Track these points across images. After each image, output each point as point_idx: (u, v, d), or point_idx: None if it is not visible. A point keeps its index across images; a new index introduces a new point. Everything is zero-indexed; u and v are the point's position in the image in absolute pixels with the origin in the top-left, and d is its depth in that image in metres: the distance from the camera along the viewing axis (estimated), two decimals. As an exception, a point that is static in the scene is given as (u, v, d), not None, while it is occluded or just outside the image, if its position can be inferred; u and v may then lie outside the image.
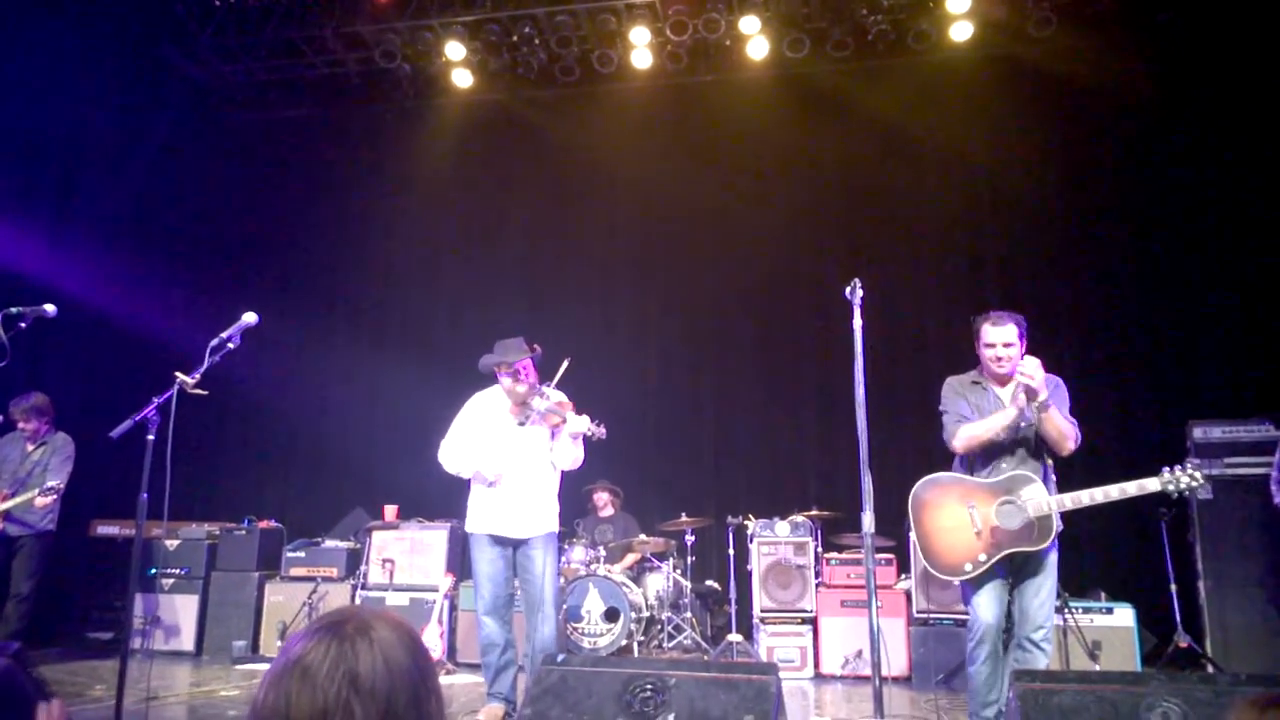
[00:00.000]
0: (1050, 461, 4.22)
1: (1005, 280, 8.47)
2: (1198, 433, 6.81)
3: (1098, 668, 5.95)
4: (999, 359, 4.23)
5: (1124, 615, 6.19)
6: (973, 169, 8.69)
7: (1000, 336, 4.22)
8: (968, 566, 4.08)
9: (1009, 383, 4.28)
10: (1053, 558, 4.14)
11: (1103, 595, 6.41)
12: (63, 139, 8.40)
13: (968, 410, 4.30)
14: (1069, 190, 8.36)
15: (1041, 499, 4.01)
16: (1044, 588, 4.10)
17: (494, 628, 5.06)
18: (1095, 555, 7.50)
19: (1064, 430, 4.09)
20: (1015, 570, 4.17)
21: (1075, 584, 6.61)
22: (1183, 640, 6.27)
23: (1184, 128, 8.07)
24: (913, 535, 4.35)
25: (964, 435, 4.21)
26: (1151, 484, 3.97)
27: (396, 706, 1.24)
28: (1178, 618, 6.36)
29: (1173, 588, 6.43)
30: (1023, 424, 4.17)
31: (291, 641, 1.28)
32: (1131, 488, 3.96)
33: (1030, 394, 4.08)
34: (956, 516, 4.13)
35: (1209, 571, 6.60)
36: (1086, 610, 6.22)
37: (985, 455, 4.24)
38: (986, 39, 8.55)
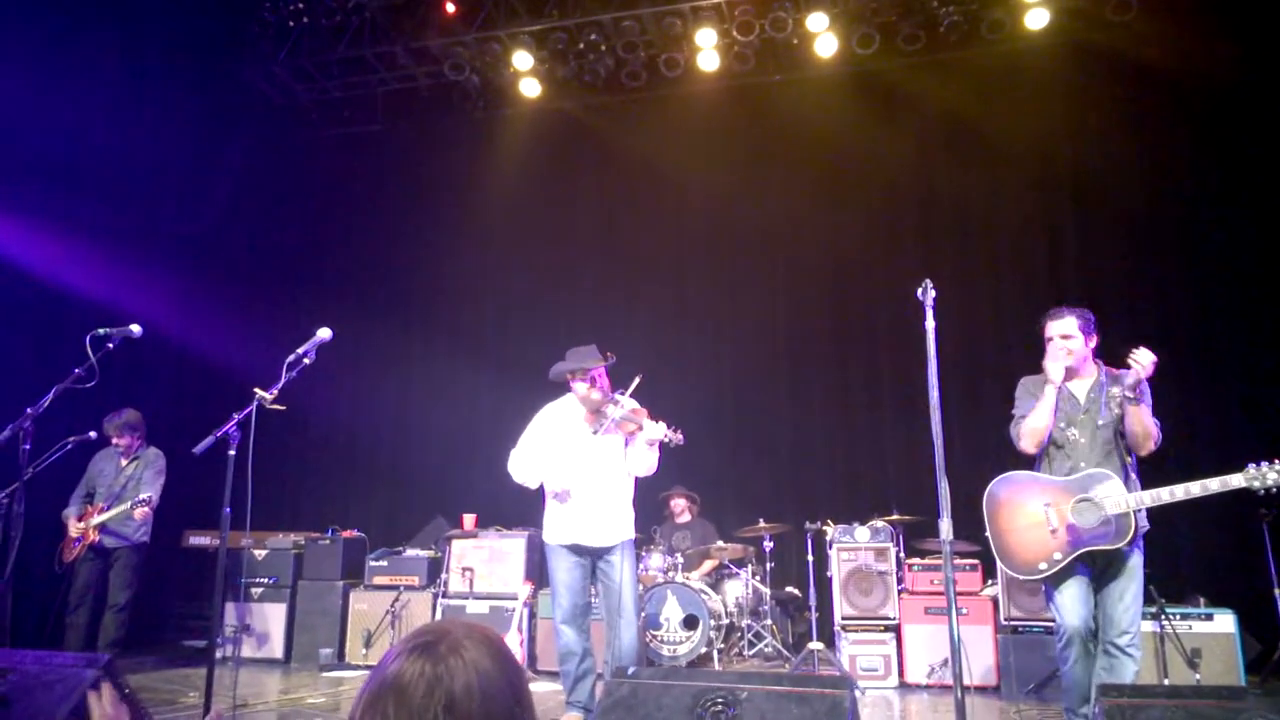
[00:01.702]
0: (1130, 460, 4.11)
1: (1087, 277, 8.18)
2: (1300, 429, 6.47)
3: (1198, 677, 5.69)
4: (1060, 350, 4.17)
5: (1225, 622, 5.90)
6: (1051, 162, 8.44)
7: (1058, 329, 4.19)
8: (1043, 565, 4.01)
9: (1076, 377, 4.24)
10: (1136, 559, 4.03)
11: (1202, 601, 6.11)
12: (146, 167, 8.68)
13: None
14: (1153, 181, 8.03)
15: (1119, 496, 3.91)
16: (1128, 591, 3.99)
17: (572, 636, 5.05)
18: (1193, 560, 7.21)
19: (1149, 428, 4.01)
20: (1098, 573, 4.07)
21: (1173, 590, 6.33)
22: (1288, 647, 5.97)
23: (1274, 111, 7.69)
24: (989, 535, 4.26)
25: (1024, 429, 4.17)
26: (1235, 480, 3.79)
27: None
28: (1282, 623, 6.06)
29: (1276, 592, 6.12)
30: (1100, 421, 4.11)
31: (385, 661, 1.29)
32: (1214, 484, 3.80)
33: (1130, 386, 4.02)
34: (1032, 515, 4.07)
35: (1315, 575, 6.25)
36: (1185, 617, 5.94)
37: (1063, 454, 4.16)
38: (1063, 26, 8.30)
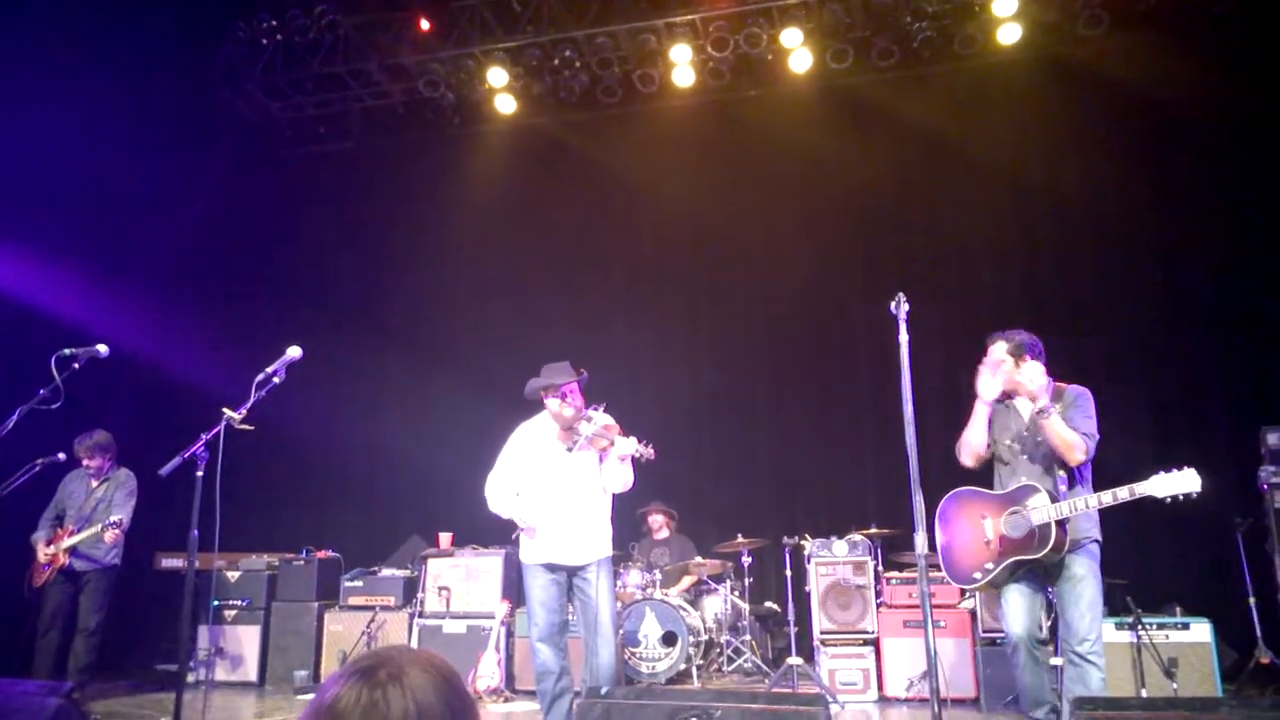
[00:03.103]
0: (1065, 474, 4.20)
1: (1063, 290, 8.26)
2: (1273, 439, 6.49)
3: (1175, 686, 5.70)
4: (990, 369, 4.41)
5: (1201, 631, 5.90)
6: (1024, 175, 8.51)
7: (991, 355, 4.42)
8: (977, 575, 4.27)
9: (1019, 396, 4.40)
10: (1081, 568, 4.13)
11: (1178, 610, 6.12)
12: (118, 185, 8.59)
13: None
14: (1128, 194, 8.11)
15: (1045, 507, 4.08)
16: (1082, 598, 4.09)
17: (549, 655, 5.01)
18: (1169, 568, 7.24)
19: (1067, 439, 4.11)
20: (1053, 584, 4.24)
21: (1149, 600, 6.35)
22: (1264, 656, 6.00)
23: (1246, 124, 7.79)
24: (938, 548, 4.48)
25: (959, 444, 4.38)
26: (1141, 488, 3.96)
27: None
28: (1258, 632, 6.09)
29: (1251, 601, 6.16)
30: (1025, 433, 4.32)
31: (325, 686, 1.27)
32: (1124, 492, 3.98)
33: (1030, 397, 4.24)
34: (972, 528, 4.31)
35: (1290, 583, 6.29)
36: (1161, 626, 5.94)
37: (1009, 469, 4.37)
38: (1035, 41, 8.39)
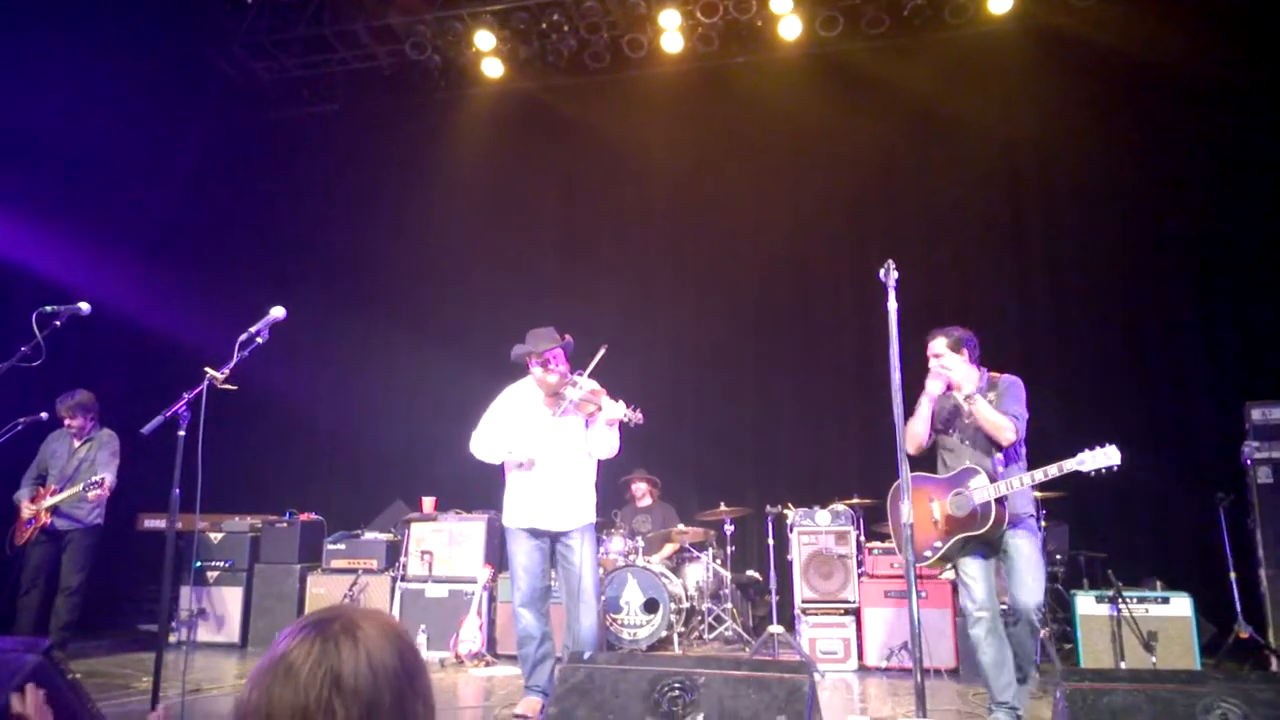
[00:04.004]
0: (1001, 455, 4.51)
1: (1050, 260, 8.27)
2: (1256, 414, 6.54)
3: (1154, 660, 5.77)
4: (932, 372, 4.68)
5: (1181, 605, 5.97)
6: (1015, 147, 8.48)
7: (931, 349, 4.68)
8: (927, 553, 4.54)
9: (957, 389, 4.67)
10: (1020, 540, 4.40)
11: (1159, 584, 6.18)
12: (101, 145, 8.48)
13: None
14: (1117, 166, 8.08)
15: (985, 487, 4.38)
16: (1022, 569, 4.36)
17: (531, 620, 5.03)
18: (1150, 543, 7.31)
19: (995, 422, 4.44)
20: (1000, 558, 4.51)
21: (1130, 573, 6.41)
22: (1244, 630, 6.05)
23: (1238, 96, 7.76)
24: (890, 528, 4.84)
25: (906, 433, 4.41)
26: (1069, 464, 4.27)
27: (380, 708, 1.22)
28: (1238, 607, 6.15)
29: (1232, 575, 6.21)
30: (965, 420, 4.59)
31: (278, 639, 1.27)
32: (1053, 469, 4.27)
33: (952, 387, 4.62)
34: (921, 510, 4.51)
35: (1271, 559, 6.32)
36: (1141, 600, 6.00)
37: (952, 455, 4.64)
38: (1026, 11, 8.34)
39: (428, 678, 1.32)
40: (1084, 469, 4.25)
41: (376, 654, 1.24)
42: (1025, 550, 4.38)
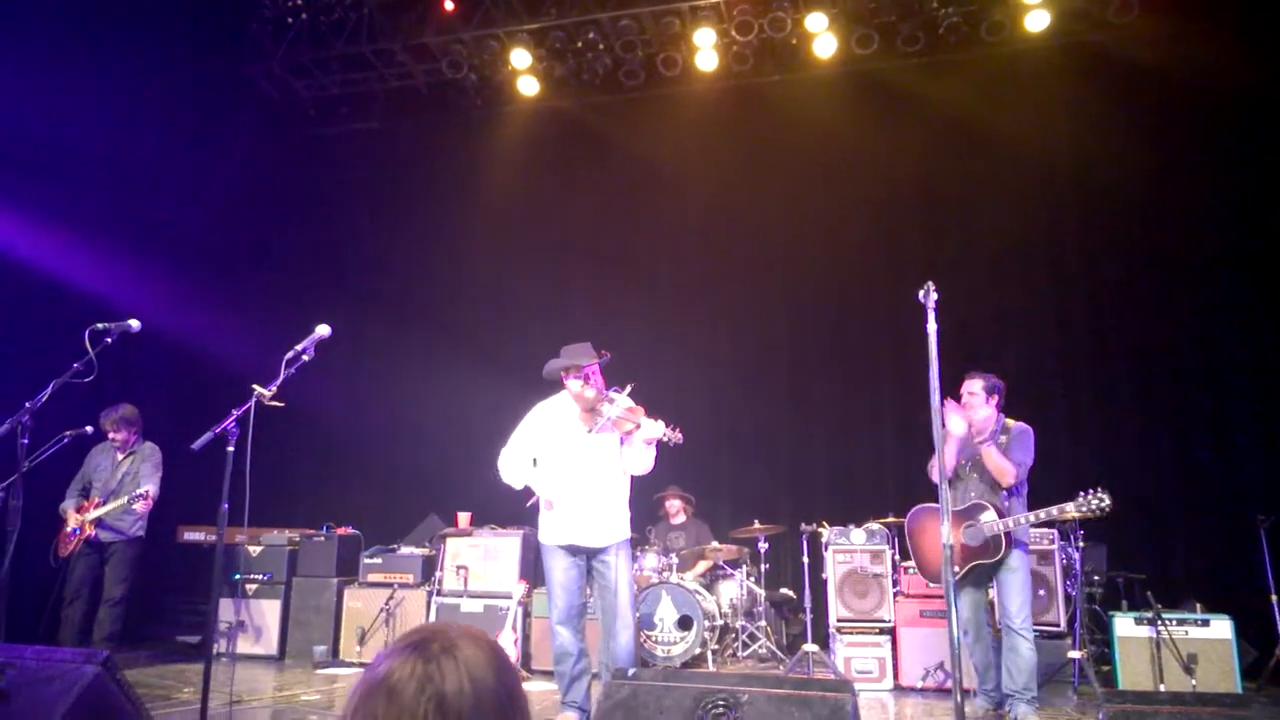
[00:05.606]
0: (1005, 490, 5.08)
1: (1090, 281, 8.21)
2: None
3: (1194, 682, 5.69)
4: (964, 404, 5.24)
5: (1221, 627, 5.89)
6: (1053, 165, 8.44)
7: (967, 387, 5.26)
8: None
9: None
10: (1015, 561, 5.04)
11: (1198, 607, 6.11)
12: (146, 162, 8.65)
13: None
14: (1157, 184, 8.02)
15: (995, 521, 5.00)
16: (1015, 585, 5.03)
17: (567, 637, 5.03)
18: (1190, 565, 7.23)
19: (1000, 466, 5.04)
20: (993, 577, 5.16)
21: (1170, 595, 6.35)
22: (1285, 653, 5.97)
23: (1276, 113, 7.69)
24: (910, 550, 5.58)
25: (932, 465, 4.86)
26: (1069, 508, 4.83)
27: None
28: (1279, 630, 6.06)
29: (1273, 598, 6.13)
30: (976, 457, 5.15)
31: (378, 660, 1.28)
32: (1054, 511, 4.88)
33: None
34: (936, 538, 5.00)
35: (1312, 581, 6.26)
36: (1181, 622, 5.93)
37: (963, 486, 5.22)
38: (1064, 28, 8.31)
39: (525, 697, 1.34)
40: (1073, 514, 4.87)
41: (477, 673, 1.25)
42: (1017, 569, 5.04)
